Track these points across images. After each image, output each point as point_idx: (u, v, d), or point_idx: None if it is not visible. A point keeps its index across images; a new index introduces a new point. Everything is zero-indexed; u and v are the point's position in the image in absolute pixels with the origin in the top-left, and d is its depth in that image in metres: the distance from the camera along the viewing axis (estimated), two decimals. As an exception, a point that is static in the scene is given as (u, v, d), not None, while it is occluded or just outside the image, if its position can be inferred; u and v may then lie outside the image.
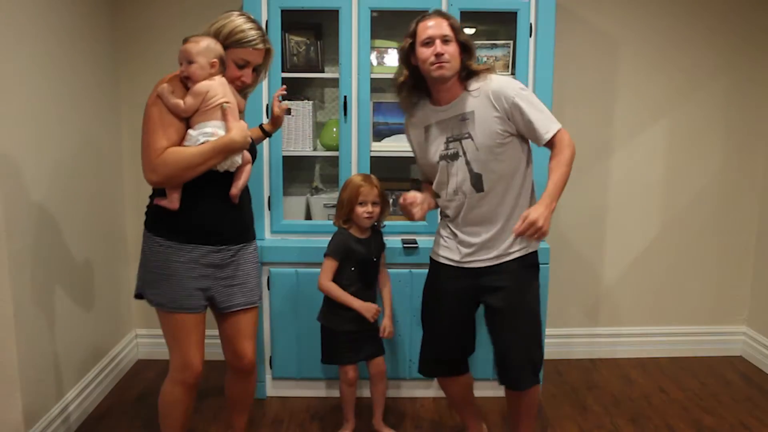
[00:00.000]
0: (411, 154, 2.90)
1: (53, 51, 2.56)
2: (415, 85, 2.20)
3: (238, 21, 1.97)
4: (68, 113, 2.68)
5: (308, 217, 3.05)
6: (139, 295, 2.12)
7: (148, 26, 3.14)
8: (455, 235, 2.24)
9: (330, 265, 2.51)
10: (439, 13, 2.15)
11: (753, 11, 3.27)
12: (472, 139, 2.12)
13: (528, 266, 2.20)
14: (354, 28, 2.73)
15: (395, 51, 2.94)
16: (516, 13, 2.73)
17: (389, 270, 2.84)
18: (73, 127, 2.72)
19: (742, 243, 3.49)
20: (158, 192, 2.02)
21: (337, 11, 2.72)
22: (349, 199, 2.49)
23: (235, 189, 2.01)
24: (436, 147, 2.20)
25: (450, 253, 2.25)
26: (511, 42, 2.85)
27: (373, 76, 2.80)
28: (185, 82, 1.94)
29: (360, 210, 2.48)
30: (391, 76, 2.89)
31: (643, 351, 3.51)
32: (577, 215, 3.37)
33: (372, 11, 2.73)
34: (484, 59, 2.87)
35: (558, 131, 2.08)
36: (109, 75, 3.09)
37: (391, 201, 3.03)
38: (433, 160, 2.21)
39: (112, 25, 3.10)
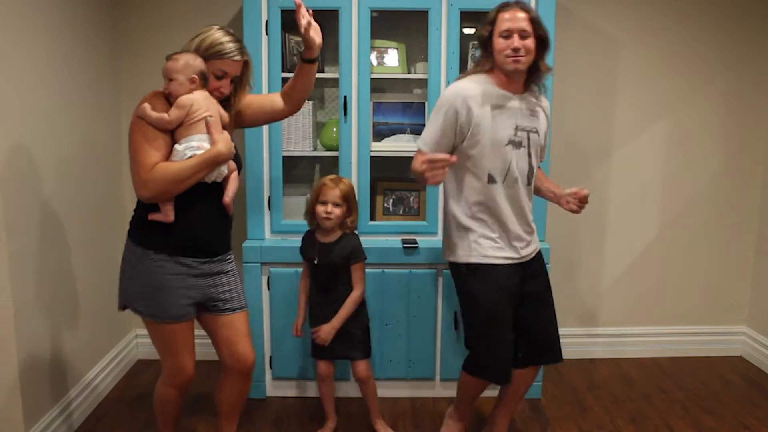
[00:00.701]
0: (411, 155, 2.91)
1: (52, 51, 2.56)
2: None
3: (217, 34, 2.04)
4: (68, 113, 2.68)
5: (308, 217, 3.06)
6: (124, 307, 2.14)
7: (148, 24, 3.14)
8: (507, 230, 2.25)
9: (303, 264, 2.60)
10: (520, 6, 2.14)
11: (752, 13, 3.27)
12: (538, 134, 2.25)
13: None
14: (354, 28, 2.73)
15: (395, 51, 2.94)
16: (516, 13, 2.72)
17: (389, 270, 2.84)
18: (72, 127, 2.72)
19: (742, 243, 3.49)
20: (146, 206, 2.03)
21: (337, 11, 2.72)
22: (312, 196, 2.50)
23: (227, 197, 2.06)
24: (506, 130, 2.19)
25: (506, 251, 2.27)
26: (511, 42, 2.85)
27: (373, 76, 2.80)
28: (169, 99, 2.00)
29: (319, 209, 2.47)
30: (390, 76, 2.93)
31: (643, 351, 3.51)
32: (577, 215, 3.36)
33: (372, 11, 2.73)
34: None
35: None
36: (109, 75, 3.09)
37: (391, 201, 3.04)
38: (501, 141, 2.18)
39: (113, 23, 3.10)
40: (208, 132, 1.98)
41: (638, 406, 2.97)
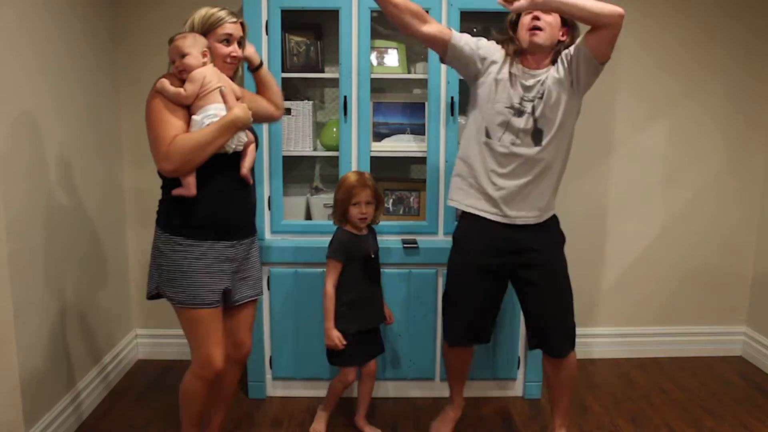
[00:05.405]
0: (411, 155, 2.93)
1: (51, 49, 2.56)
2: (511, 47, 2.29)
3: (203, 10, 2.08)
4: (67, 111, 2.68)
5: (308, 217, 3.06)
6: (154, 296, 2.16)
7: (147, 22, 3.13)
8: (489, 196, 2.31)
9: (334, 267, 2.49)
10: None
11: (752, 13, 3.27)
12: (542, 99, 2.21)
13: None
14: (354, 28, 2.73)
15: (395, 51, 2.94)
16: (516, 13, 2.73)
17: (388, 270, 2.85)
18: (72, 126, 2.72)
19: (742, 243, 3.49)
20: (168, 186, 2.06)
21: (337, 11, 2.72)
22: (343, 200, 2.48)
23: (245, 169, 2.08)
24: (508, 98, 2.24)
25: (483, 204, 2.34)
26: (511, 42, 2.85)
27: (373, 76, 2.80)
28: (180, 78, 2.03)
29: (354, 211, 2.47)
30: (390, 76, 2.93)
31: (643, 351, 3.51)
32: (577, 215, 3.36)
33: (372, 11, 2.73)
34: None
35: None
36: (108, 73, 3.09)
37: (391, 201, 3.04)
38: (499, 105, 2.25)
39: (111, 20, 3.10)
40: (224, 100, 2.00)
41: (638, 406, 2.97)
